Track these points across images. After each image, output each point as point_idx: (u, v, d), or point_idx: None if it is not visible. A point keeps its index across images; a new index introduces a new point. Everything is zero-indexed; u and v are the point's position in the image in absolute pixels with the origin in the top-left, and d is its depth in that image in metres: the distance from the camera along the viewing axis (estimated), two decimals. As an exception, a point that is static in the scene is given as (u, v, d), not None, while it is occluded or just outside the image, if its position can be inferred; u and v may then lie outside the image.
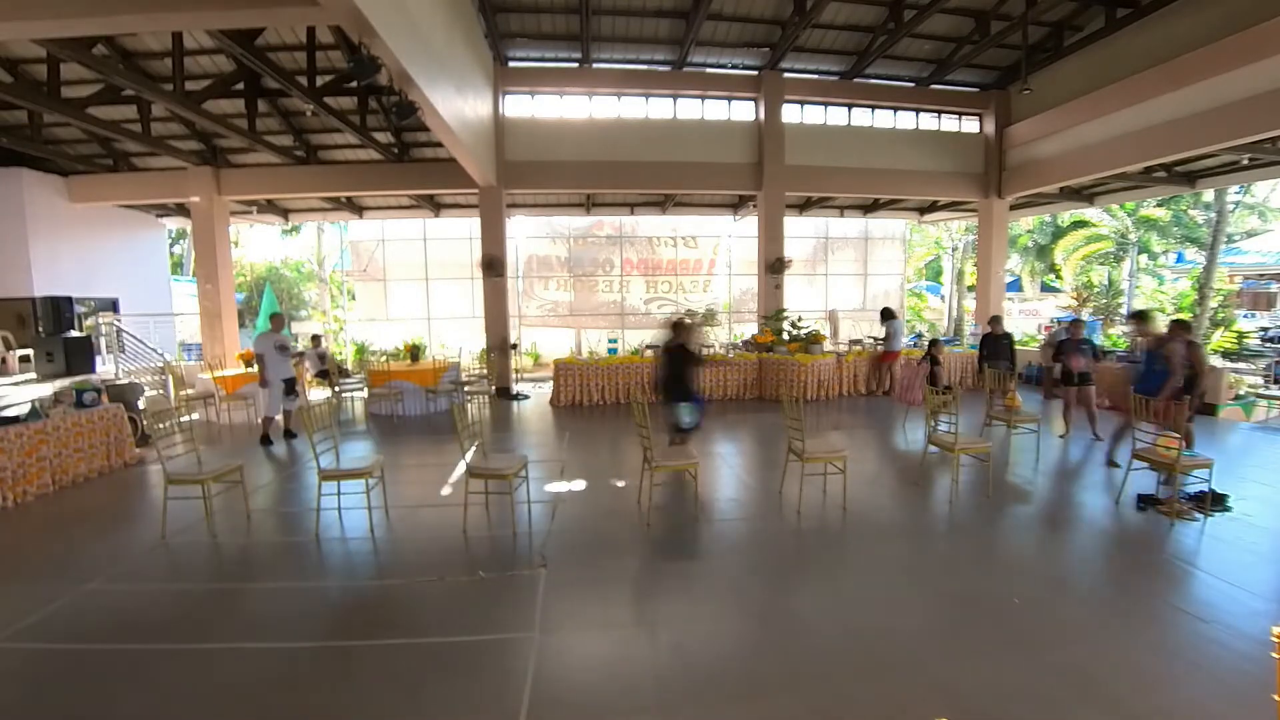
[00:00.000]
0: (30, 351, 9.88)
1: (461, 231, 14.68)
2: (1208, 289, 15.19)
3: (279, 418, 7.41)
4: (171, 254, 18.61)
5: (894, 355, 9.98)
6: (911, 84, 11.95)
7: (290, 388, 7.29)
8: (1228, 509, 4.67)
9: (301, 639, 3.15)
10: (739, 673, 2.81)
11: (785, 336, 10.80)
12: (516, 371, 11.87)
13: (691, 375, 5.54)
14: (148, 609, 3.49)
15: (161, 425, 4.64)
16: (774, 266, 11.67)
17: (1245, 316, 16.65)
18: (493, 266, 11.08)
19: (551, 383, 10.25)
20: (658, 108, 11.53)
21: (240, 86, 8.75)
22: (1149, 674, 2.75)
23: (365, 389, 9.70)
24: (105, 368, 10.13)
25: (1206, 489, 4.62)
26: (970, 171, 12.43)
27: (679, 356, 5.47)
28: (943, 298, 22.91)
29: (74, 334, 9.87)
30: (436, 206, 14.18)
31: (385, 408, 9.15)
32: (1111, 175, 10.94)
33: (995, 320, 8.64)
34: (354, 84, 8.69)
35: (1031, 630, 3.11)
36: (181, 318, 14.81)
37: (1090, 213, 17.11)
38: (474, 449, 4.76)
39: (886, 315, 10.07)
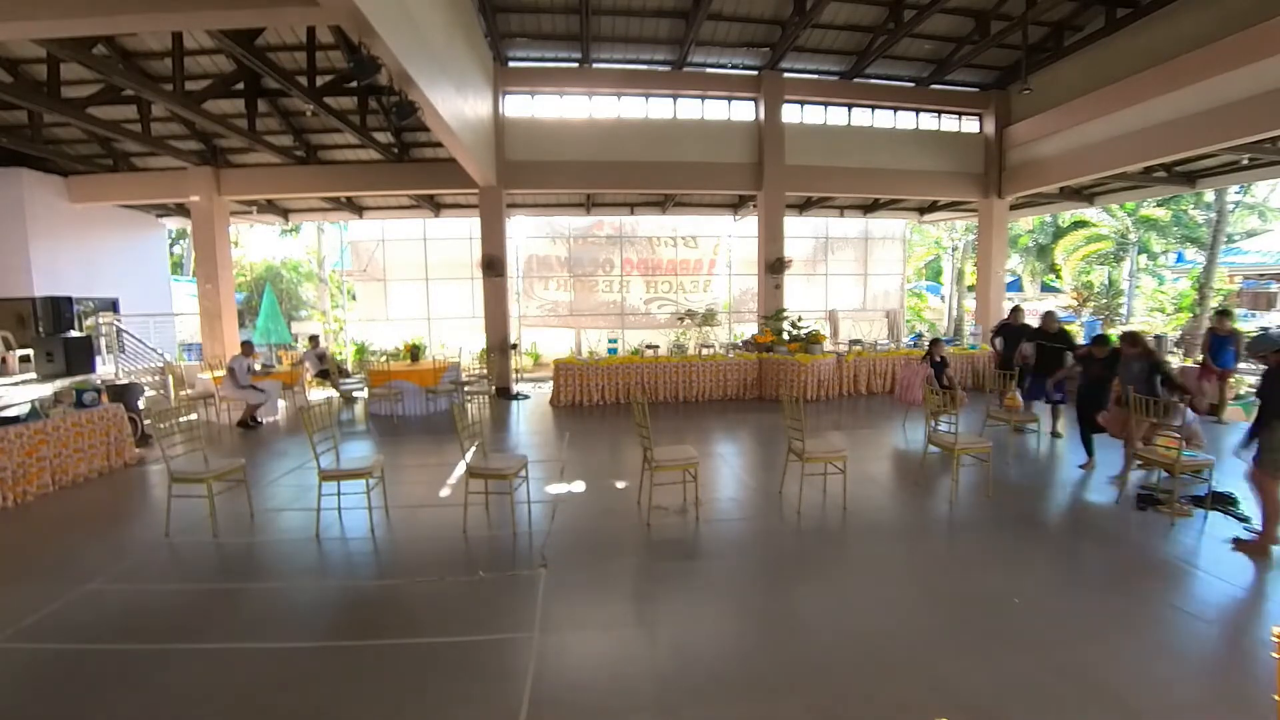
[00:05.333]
0: (30, 351, 9.88)
1: (461, 231, 14.69)
2: (1208, 289, 15.19)
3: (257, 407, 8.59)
4: (171, 254, 18.60)
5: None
6: (911, 84, 11.95)
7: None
8: (1236, 503, 4.67)
9: (302, 639, 3.15)
10: (739, 672, 2.81)
11: (785, 336, 10.80)
12: (516, 371, 11.87)
13: None
14: (148, 609, 3.49)
15: (163, 425, 4.64)
16: (774, 266, 11.67)
17: (1245, 316, 16.66)
18: (493, 266, 11.09)
19: (551, 383, 10.26)
20: (658, 108, 11.53)
21: (240, 86, 8.75)
22: (1149, 673, 2.75)
23: (365, 389, 9.71)
24: (105, 368, 10.13)
25: (1208, 489, 4.63)
26: (970, 171, 12.44)
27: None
28: (943, 298, 22.90)
29: (74, 334, 9.87)
30: (436, 206, 14.18)
31: (385, 408, 9.15)
32: (1111, 175, 10.94)
33: (1016, 310, 8.26)
34: (354, 84, 8.69)
35: (1031, 630, 3.12)
36: (181, 318, 14.80)
37: (1090, 213, 17.11)
38: (474, 449, 4.76)
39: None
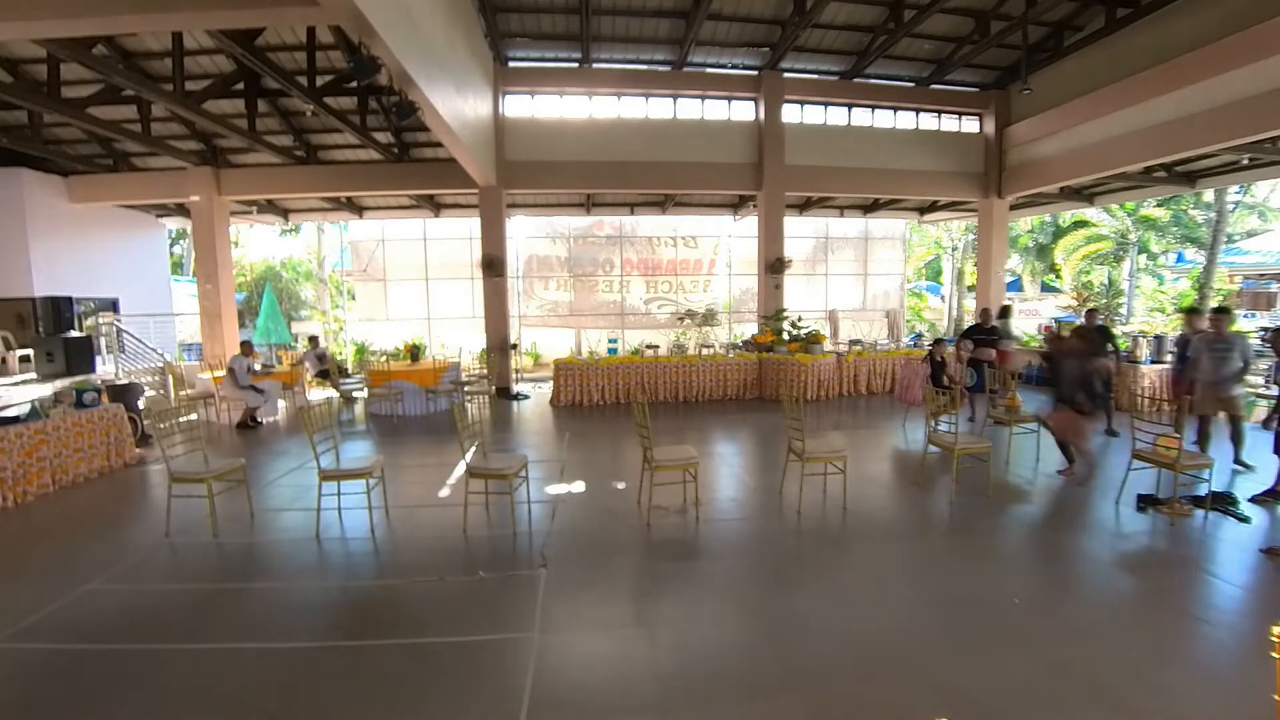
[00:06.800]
0: (30, 351, 9.88)
1: (461, 231, 14.69)
2: (1208, 289, 15.19)
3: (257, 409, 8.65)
4: (171, 254, 18.60)
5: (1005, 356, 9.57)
6: (911, 84, 11.95)
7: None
8: (1236, 503, 4.67)
9: (302, 639, 3.15)
10: (739, 673, 2.81)
11: (785, 336, 10.80)
12: (516, 371, 11.87)
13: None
14: (148, 609, 3.49)
15: (163, 425, 4.64)
16: (774, 266, 11.67)
17: (1245, 316, 16.66)
18: (493, 266, 11.09)
19: (551, 383, 10.26)
20: (658, 108, 11.53)
21: (240, 86, 8.75)
22: (1149, 673, 2.75)
23: (365, 389, 9.71)
24: (105, 368, 10.12)
25: (1208, 489, 4.62)
26: (970, 171, 12.44)
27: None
28: (943, 298, 22.91)
29: (74, 334, 9.86)
30: (436, 206, 14.18)
31: (385, 408, 9.15)
32: (1111, 175, 10.94)
33: (1092, 312, 8.34)
34: (354, 84, 8.69)
35: (1031, 630, 3.12)
36: (181, 318, 14.81)
37: (1090, 213, 17.11)
38: (474, 449, 4.76)
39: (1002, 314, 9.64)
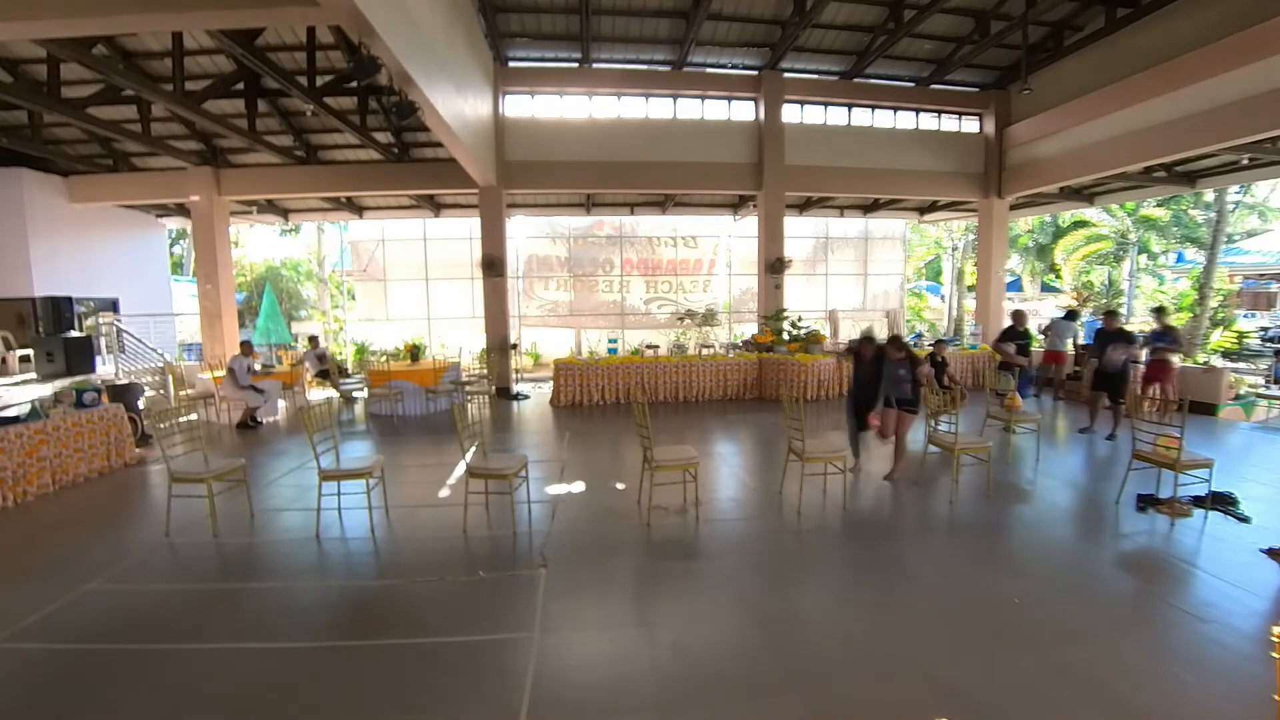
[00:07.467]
0: (30, 351, 9.88)
1: (461, 231, 14.69)
2: (1208, 289, 15.19)
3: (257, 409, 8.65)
4: (171, 254, 18.60)
5: (1058, 356, 9.77)
6: (911, 84, 11.95)
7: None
8: (1236, 503, 4.66)
9: (302, 639, 3.15)
10: (739, 672, 2.81)
11: (785, 336, 10.80)
12: (516, 371, 11.87)
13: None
14: (148, 609, 3.49)
15: (163, 425, 4.64)
16: (774, 266, 11.67)
17: (1245, 316, 16.67)
18: (493, 266, 11.09)
19: (551, 383, 10.26)
20: (658, 108, 11.53)
21: (240, 86, 8.75)
22: (1149, 674, 2.75)
23: (365, 389, 9.71)
24: (105, 368, 10.13)
25: (1207, 489, 4.62)
26: (970, 171, 12.44)
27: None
28: (943, 298, 22.91)
29: (74, 334, 9.87)
30: (436, 206, 14.18)
31: (385, 408, 9.15)
32: (1111, 175, 10.94)
33: (1111, 315, 7.81)
34: (354, 84, 8.69)
35: (1032, 630, 3.11)
36: (181, 318, 14.81)
37: (1090, 213, 17.11)
38: (474, 449, 4.76)
39: (1069, 317, 10.08)
